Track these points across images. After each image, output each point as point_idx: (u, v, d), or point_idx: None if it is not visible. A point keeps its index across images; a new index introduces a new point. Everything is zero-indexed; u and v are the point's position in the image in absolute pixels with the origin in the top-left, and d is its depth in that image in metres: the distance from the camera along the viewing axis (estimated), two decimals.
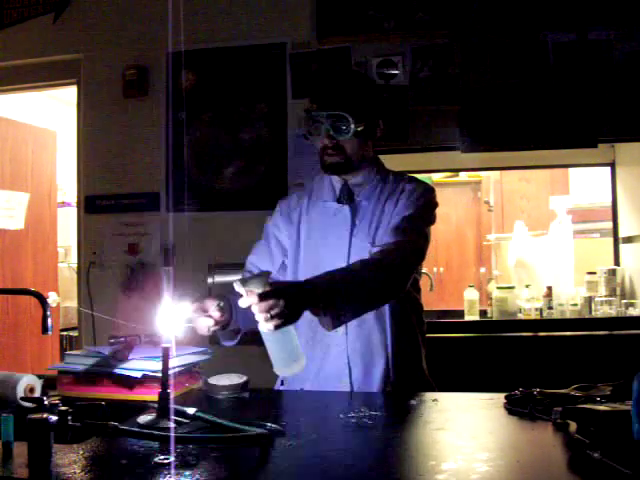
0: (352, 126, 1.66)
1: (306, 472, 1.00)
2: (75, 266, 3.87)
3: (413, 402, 1.42)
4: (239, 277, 1.42)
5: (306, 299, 1.36)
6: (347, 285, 1.45)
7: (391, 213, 1.67)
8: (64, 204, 5.01)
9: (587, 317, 3.16)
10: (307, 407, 1.50)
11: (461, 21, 2.99)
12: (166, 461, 0.99)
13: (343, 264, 1.62)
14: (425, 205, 1.70)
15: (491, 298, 3.33)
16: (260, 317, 1.27)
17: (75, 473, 0.95)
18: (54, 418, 1.00)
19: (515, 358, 2.86)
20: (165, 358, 1.22)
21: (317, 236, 1.74)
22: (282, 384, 1.78)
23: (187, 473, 0.95)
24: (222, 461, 1.02)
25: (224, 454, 1.05)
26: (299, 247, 1.77)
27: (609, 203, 3.55)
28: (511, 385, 1.37)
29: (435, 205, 1.73)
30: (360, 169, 1.74)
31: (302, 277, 1.63)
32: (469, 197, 4.76)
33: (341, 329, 1.60)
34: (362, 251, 1.64)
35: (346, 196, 1.74)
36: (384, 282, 1.54)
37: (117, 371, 1.47)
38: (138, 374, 1.45)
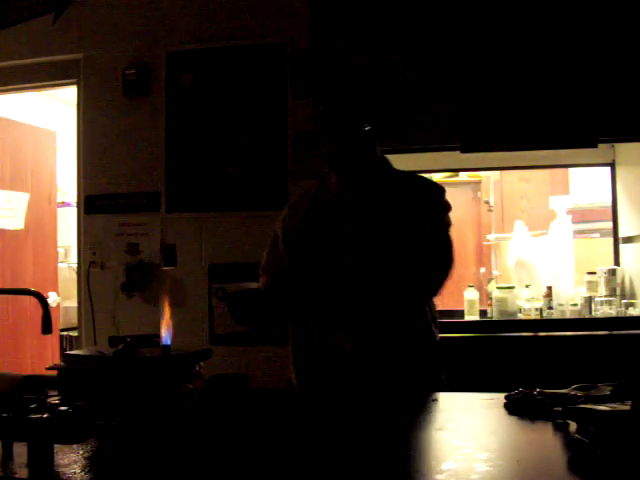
0: (359, 126, 1.67)
1: (305, 471, 1.00)
2: (75, 266, 3.87)
3: (413, 402, 1.42)
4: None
5: None
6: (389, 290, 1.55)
7: (404, 214, 1.68)
8: (64, 204, 5.01)
9: (587, 317, 3.15)
10: (309, 406, 1.50)
11: (461, 22, 3.00)
12: None
13: (349, 263, 1.64)
14: (445, 209, 1.73)
15: (491, 298, 3.33)
16: None
17: (75, 473, 0.95)
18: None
19: (515, 358, 2.85)
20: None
21: (323, 235, 1.74)
22: (290, 384, 1.79)
23: None
24: None
25: None
26: (306, 247, 1.77)
27: (609, 203, 3.54)
28: (511, 385, 1.37)
29: (450, 206, 1.75)
30: (367, 168, 1.74)
31: (309, 276, 1.65)
32: (469, 197, 4.75)
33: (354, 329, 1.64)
34: (368, 251, 1.65)
35: (352, 195, 1.74)
36: (423, 288, 1.64)
37: None
38: None
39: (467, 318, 3.28)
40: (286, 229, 1.83)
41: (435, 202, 1.71)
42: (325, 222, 1.75)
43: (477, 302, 3.32)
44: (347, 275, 1.64)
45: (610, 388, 1.20)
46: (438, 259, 1.64)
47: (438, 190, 1.75)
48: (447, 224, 1.71)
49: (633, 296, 3.25)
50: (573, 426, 1.09)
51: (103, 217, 3.27)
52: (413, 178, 1.78)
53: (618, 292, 3.23)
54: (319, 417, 1.38)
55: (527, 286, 3.33)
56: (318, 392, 1.67)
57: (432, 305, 1.80)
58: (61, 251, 4.82)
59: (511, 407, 1.30)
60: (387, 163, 1.81)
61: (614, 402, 1.05)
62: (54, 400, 1.14)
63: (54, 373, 1.51)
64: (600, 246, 3.69)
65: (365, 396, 1.57)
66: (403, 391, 1.61)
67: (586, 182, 3.97)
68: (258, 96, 3.13)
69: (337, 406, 1.44)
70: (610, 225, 3.54)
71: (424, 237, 1.63)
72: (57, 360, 3.99)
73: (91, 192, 3.30)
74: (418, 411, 1.38)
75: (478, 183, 4.66)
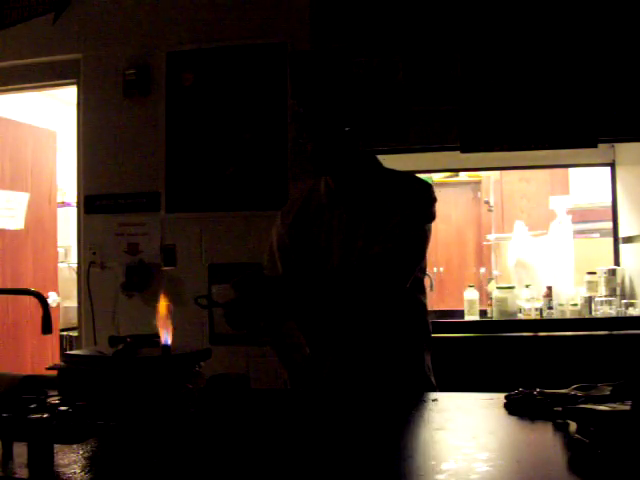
0: (338, 127, 1.66)
1: (304, 471, 1.00)
2: (75, 266, 3.87)
3: (413, 402, 1.42)
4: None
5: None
6: (343, 284, 1.50)
7: (388, 212, 1.67)
8: (64, 204, 5.02)
9: (587, 317, 3.15)
10: (307, 406, 1.50)
11: (462, 23, 3.00)
12: None
13: (334, 264, 1.64)
14: (423, 202, 1.68)
15: (491, 298, 3.33)
16: None
17: (75, 473, 0.95)
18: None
19: (515, 358, 2.85)
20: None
21: (314, 238, 1.74)
22: (285, 385, 1.79)
23: None
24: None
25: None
26: (299, 251, 1.77)
27: (609, 203, 3.54)
28: (511, 385, 1.37)
29: (433, 201, 1.70)
30: (353, 169, 1.73)
31: (303, 280, 1.64)
32: (469, 197, 4.75)
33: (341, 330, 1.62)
34: (359, 251, 1.64)
35: (341, 196, 1.74)
36: (382, 282, 1.56)
37: None
38: None
39: (467, 318, 3.29)
40: (279, 234, 1.83)
41: (418, 195, 1.69)
42: (313, 224, 1.75)
43: (477, 302, 3.32)
44: (330, 276, 1.62)
45: (610, 388, 1.20)
46: (406, 251, 1.60)
47: (424, 185, 1.73)
48: (427, 217, 1.68)
49: (633, 296, 3.25)
50: (573, 426, 1.09)
51: (103, 217, 3.27)
52: (400, 175, 1.77)
53: (618, 292, 3.23)
54: (315, 418, 1.38)
55: (527, 286, 3.34)
56: (310, 393, 1.68)
57: (419, 304, 1.78)
58: (61, 251, 4.82)
59: (511, 407, 1.30)
60: (376, 162, 1.80)
61: (614, 402, 1.05)
62: (54, 400, 1.14)
63: (54, 373, 1.51)
64: (600, 246, 3.69)
65: (357, 396, 1.57)
66: (385, 393, 1.61)
67: (586, 182, 3.97)
68: (258, 96, 3.13)
69: (332, 407, 1.44)
70: (610, 225, 3.54)
71: (398, 228, 1.61)
72: (57, 360, 3.99)
73: (91, 192, 3.30)
74: (414, 411, 1.38)
75: (478, 183, 4.67)
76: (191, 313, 3.08)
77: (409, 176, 1.78)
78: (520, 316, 3.23)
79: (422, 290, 1.77)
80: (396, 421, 1.32)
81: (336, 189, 1.74)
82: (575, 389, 1.26)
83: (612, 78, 2.91)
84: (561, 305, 3.22)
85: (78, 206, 3.40)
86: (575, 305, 3.21)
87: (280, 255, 1.81)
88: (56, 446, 1.01)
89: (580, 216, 3.89)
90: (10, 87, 3.58)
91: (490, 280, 3.66)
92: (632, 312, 3.11)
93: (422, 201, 1.68)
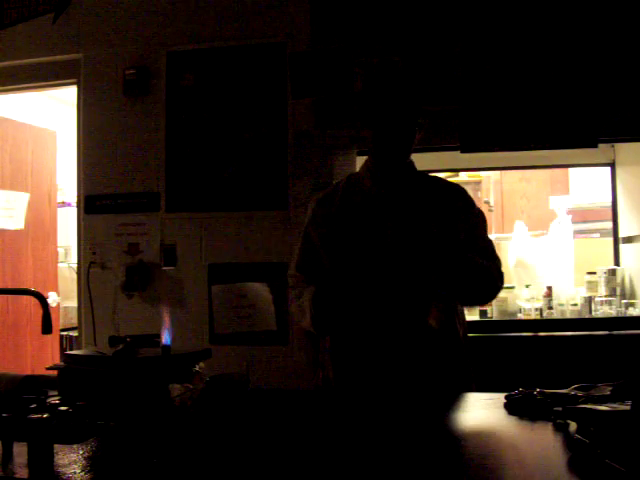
0: (413, 118, 1.77)
1: (303, 470, 1.00)
2: (75, 266, 3.87)
3: (414, 402, 1.42)
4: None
5: None
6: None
7: (446, 216, 1.74)
8: (64, 204, 5.01)
9: (587, 317, 3.16)
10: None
11: (462, 23, 3.00)
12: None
13: (385, 251, 1.69)
14: (483, 216, 1.86)
15: None
16: None
17: (75, 473, 0.95)
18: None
19: (515, 358, 2.86)
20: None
21: (363, 224, 1.77)
22: (324, 381, 1.79)
23: None
24: None
25: None
26: (342, 238, 1.77)
27: (609, 203, 3.54)
28: (511, 385, 1.38)
29: (483, 214, 1.90)
30: (406, 161, 1.84)
31: (347, 268, 1.70)
32: None
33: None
34: (402, 236, 1.69)
35: (387, 186, 1.79)
36: (488, 290, 1.80)
37: None
38: None
39: (467, 318, 3.28)
40: (319, 234, 1.83)
41: (474, 209, 1.84)
42: (361, 213, 1.78)
43: None
44: (388, 263, 1.68)
45: (610, 388, 1.20)
46: (493, 266, 1.77)
47: (468, 195, 1.87)
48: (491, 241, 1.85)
49: (633, 296, 3.25)
50: (573, 426, 1.09)
51: (103, 217, 3.26)
52: (439, 179, 1.93)
53: (618, 292, 3.23)
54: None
55: (527, 286, 3.34)
56: (356, 390, 1.68)
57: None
58: (61, 251, 4.82)
59: (511, 407, 1.30)
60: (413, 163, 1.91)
61: (614, 402, 1.05)
62: (54, 400, 1.14)
63: (54, 373, 1.51)
64: (600, 246, 3.69)
65: (389, 399, 1.56)
66: (431, 388, 1.62)
67: (586, 182, 3.98)
68: (258, 96, 3.13)
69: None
70: (610, 225, 3.55)
71: (482, 241, 1.77)
72: (57, 360, 4.00)
73: (91, 192, 3.29)
74: (414, 410, 1.38)
75: (478, 183, 4.67)
76: (191, 313, 3.09)
77: (449, 182, 1.96)
78: (520, 316, 3.23)
79: None
80: (396, 421, 1.32)
81: (383, 178, 1.79)
82: (575, 389, 1.27)
83: (612, 78, 2.91)
84: (561, 305, 3.22)
85: (78, 206, 3.40)
86: (575, 305, 3.21)
87: (325, 252, 1.80)
88: (56, 446, 1.01)
89: (580, 216, 3.89)
90: (10, 87, 3.57)
91: None
92: (632, 312, 3.12)
93: (482, 216, 1.86)
